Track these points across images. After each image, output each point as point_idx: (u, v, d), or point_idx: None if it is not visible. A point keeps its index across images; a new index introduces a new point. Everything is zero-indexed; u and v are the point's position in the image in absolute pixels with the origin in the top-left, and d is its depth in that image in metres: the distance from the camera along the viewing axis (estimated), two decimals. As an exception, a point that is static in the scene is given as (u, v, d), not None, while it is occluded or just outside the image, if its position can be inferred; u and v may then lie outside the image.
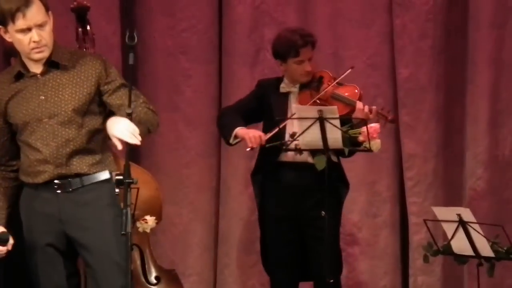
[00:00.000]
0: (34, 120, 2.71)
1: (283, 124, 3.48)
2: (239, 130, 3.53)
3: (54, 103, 2.71)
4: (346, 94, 3.52)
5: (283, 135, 3.50)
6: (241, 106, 3.66)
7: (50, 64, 2.73)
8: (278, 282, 3.60)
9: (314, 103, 3.49)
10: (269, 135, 3.49)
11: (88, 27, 3.34)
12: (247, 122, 3.63)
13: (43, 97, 2.70)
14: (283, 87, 3.60)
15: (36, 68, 2.72)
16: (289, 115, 3.52)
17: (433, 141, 4.24)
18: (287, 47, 3.52)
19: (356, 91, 3.53)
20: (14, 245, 2.70)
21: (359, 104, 3.45)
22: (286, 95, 3.59)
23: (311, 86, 3.55)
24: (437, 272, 4.19)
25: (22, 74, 2.74)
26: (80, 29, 3.35)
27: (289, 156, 3.51)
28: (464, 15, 4.23)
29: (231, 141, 3.55)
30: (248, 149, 3.50)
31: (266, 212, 3.58)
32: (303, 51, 3.53)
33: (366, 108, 3.45)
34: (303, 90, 3.57)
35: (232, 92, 4.22)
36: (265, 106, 3.59)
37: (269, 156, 3.53)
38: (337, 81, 3.53)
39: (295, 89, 3.58)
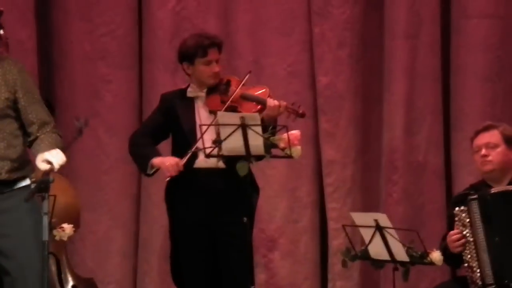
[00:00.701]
0: None
1: (199, 138, 3.44)
2: (154, 160, 3.50)
3: None
4: (255, 93, 3.56)
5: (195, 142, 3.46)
6: (148, 127, 3.63)
7: None
8: None
9: (228, 106, 3.49)
10: (185, 159, 3.46)
11: (1, 31, 3.25)
12: (158, 141, 3.61)
13: None
14: (190, 91, 3.58)
15: None
16: (197, 120, 3.51)
17: (351, 148, 4.33)
18: (195, 48, 3.53)
19: (264, 90, 3.57)
20: None
21: (270, 101, 3.49)
22: (193, 100, 3.58)
23: (219, 89, 3.56)
24: (355, 277, 4.27)
25: None
26: (-9, 34, 3.26)
27: (200, 162, 3.50)
28: (380, 25, 4.35)
29: (148, 171, 3.52)
30: (167, 179, 3.47)
31: (178, 221, 3.54)
32: (210, 51, 3.54)
33: (276, 103, 3.48)
34: (211, 94, 3.56)
35: (153, 98, 4.19)
36: (173, 118, 3.56)
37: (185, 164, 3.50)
38: (243, 82, 3.54)
39: (202, 94, 3.57)
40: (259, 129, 3.39)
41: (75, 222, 3.69)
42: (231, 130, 3.37)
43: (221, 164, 3.49)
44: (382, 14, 4.33)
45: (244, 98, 3.55)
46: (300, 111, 3.55)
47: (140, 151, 3.56)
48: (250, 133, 3.38)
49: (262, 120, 3.47)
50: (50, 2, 4.36)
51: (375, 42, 4.37)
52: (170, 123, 3.58)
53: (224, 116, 3.43)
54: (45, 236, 2.53)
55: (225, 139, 3.38)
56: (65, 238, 3.63)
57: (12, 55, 3.16)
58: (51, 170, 2.55)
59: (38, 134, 2.69)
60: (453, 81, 4.30)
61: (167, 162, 3.45)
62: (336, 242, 4.22)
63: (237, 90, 3.53)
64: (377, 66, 4.37)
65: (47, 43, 4.38)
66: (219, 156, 3.43)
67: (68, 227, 3.63)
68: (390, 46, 4.30)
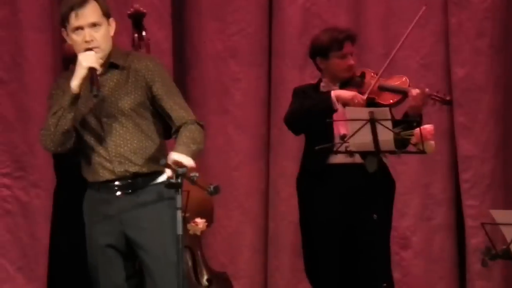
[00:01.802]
0: (94, 120, 2.74)
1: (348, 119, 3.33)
2: (336, 91, 3.41)
3: (112, 102, 2.74)
4: (394, 83, 3.45)
5: (331, 137, 3.45)
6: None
7: (109, 65, 2.76)
8: None
9: (368, 98, 3.40)
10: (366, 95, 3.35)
11: (144, 33, 3.37)
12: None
13: (102, 97, 2.70)
14: (324, 86, 3.54)
15: None
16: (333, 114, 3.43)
17: (491, 142, 4.15)
18: (330, 42, 3.48)
19: (404, 79, 3.45)
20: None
21: (412, 90, 3.37)
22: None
23: (354, 82, 3.49)
24: (496, 277, 4.09)
25: None
26: (136, 35, 3.38)
27: (337, 158, 3.45)
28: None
29: (335, 107, 3.40)
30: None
31: (315, 217, 3.50)
32: (345, 45, 3.49)
33: (419, 91, 3.34)
34: (346, 87, 3.50)
35: (281, 95, 4.19)
36: None
37: (316, 159, 3.46)
38: (381, 71, 3.44)
39: (335, 88, 3.51)
40: (389, 123, 3.30)
41: (209, 217, 3.75)
42: (359, 125, 3.29)
43: (358, 159, 3.43)
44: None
45: (382, 89, 3.46)
46: (447, 98, 3.41)
47: (311, 101, 3.45)
48: (379, 128, 3.29)
49: (406, 114, 3.36)
50: (184, 3, 4.48)
51: (518, 31, 4.16)
52: None
53: (352, 111, 3.36)
54: (179, 230, 2.57)
55: (352, 135, 3.30)
56: (198, 233, 3.70)
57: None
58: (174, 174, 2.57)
59: (178, 124, 2.73)
60: None
61: (351, 95, 3.36)
62: (475, 240, 4.05)
63: (375, 81, 3.45)
64: (520, 56, 4.15)
65: (181, 43, 4.50)
66: (347, 152, 3.37)
67: (201, 222, 3.69)
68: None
